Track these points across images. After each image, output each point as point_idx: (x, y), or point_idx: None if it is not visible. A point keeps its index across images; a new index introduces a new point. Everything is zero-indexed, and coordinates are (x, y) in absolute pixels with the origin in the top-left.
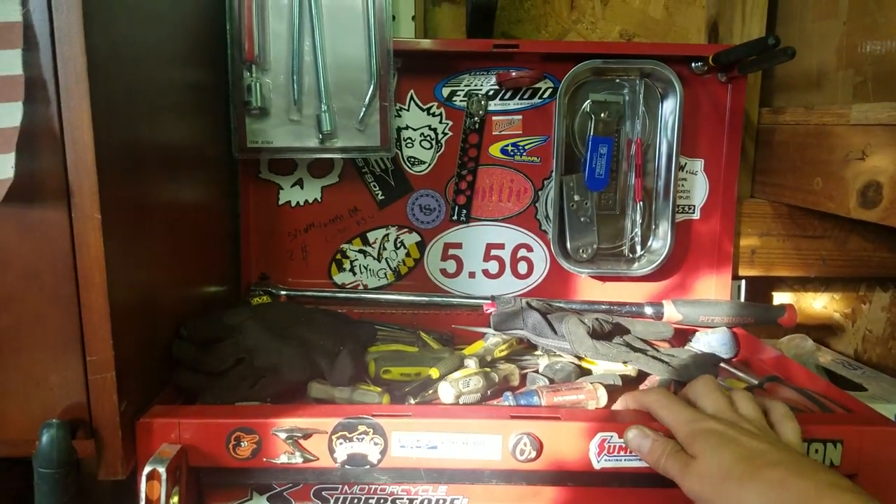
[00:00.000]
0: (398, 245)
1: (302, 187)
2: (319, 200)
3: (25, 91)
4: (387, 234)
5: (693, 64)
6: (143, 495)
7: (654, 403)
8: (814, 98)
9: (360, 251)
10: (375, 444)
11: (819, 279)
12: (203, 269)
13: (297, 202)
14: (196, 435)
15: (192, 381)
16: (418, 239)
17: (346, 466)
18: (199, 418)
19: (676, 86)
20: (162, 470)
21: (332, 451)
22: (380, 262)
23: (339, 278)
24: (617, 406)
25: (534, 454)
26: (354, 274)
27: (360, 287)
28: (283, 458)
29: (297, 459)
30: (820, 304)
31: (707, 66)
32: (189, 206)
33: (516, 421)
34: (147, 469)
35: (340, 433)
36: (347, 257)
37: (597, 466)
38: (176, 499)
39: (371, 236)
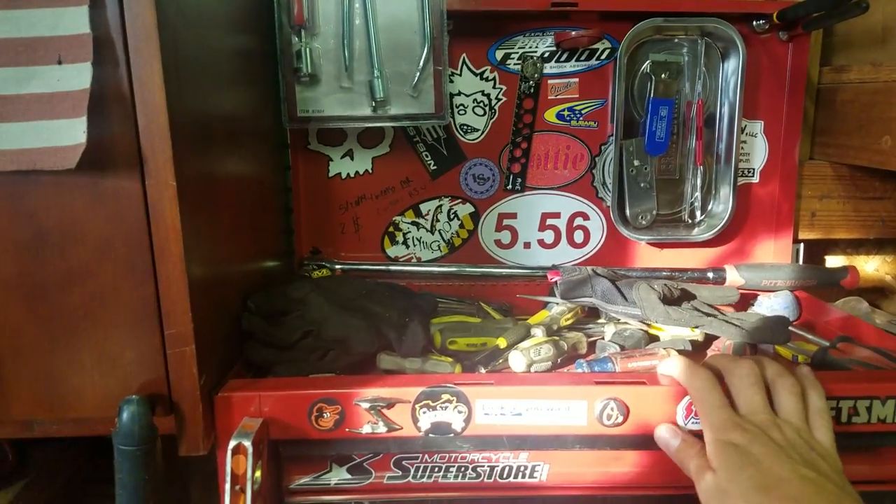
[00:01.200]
0: (451, 216)
1: (352, 158)
2: (370, 172)
3: (94, 51)
4: (440, 206)
5: (755, 22)
6: (228, 469)
7: (694, 392)
8: (879, 55)
9: (413, 223)
10: (459, 412)
11: (871, 242)
12: (260, 244)
13: (348, 174)
14: (277, 407)
15: (263, 354)
16: (472, 210)
17: (430, 435)
18: (280, 391)
19: (739, 44)
20: (248, 443)
21: (415, 420)
22: (433, 234)
23: (392, 251)
24: (661, 369)
25: (621, 419)
26: (407, 247)
27: (414, 260)
28: (366, 428)
29: (381, 429)
30: (872, 266)
31: (769, 24)
32: (247, 179)
33: (601, 387)
34: (233, 443)
35: (424, 402)
36: (400, 230)
37: (684, 429)
38: (259, 473)
39: (424, 208)
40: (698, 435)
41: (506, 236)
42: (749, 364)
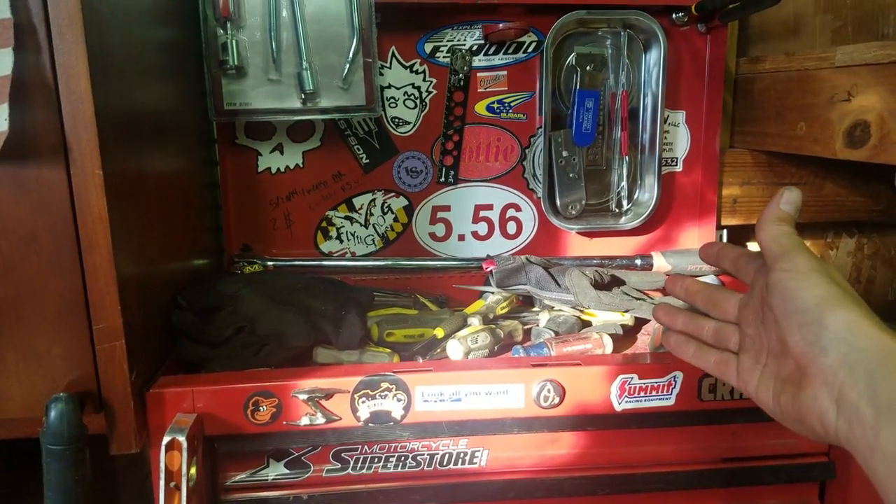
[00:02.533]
0: (385, 210)
1: (282, 153)
2: (301, 166)
3: (15, 37)
4: (373, 200)
5: (674, 14)
6: (162, 466)
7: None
8: (791, 45)
9: (347, 218)
10: (399, 400)
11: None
12: (189, 241)
13: (278, 168)
14: (211, 402)
15: (196, 351)
16: (406, 203)
17: (370, 424)
18: (214, 385)
19: (660, 36)
20: (182, 439)
21: (354, 409)
22: (367, 228)
23: (326, 247)
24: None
25: (557, 400)
26: (341, 241)
27: (348, 255)
28: (304, 420)
29: (320, 420)
30: None
31: (688, 17)
32: (174, 174)
33: (538, 369)
34: (166, 439)
35: (363, 391)
36: (333, 224)
37: (618, 408)
38: (194, 469)
39: (357, 202)
40: (632, 414)
41: (440, 229)
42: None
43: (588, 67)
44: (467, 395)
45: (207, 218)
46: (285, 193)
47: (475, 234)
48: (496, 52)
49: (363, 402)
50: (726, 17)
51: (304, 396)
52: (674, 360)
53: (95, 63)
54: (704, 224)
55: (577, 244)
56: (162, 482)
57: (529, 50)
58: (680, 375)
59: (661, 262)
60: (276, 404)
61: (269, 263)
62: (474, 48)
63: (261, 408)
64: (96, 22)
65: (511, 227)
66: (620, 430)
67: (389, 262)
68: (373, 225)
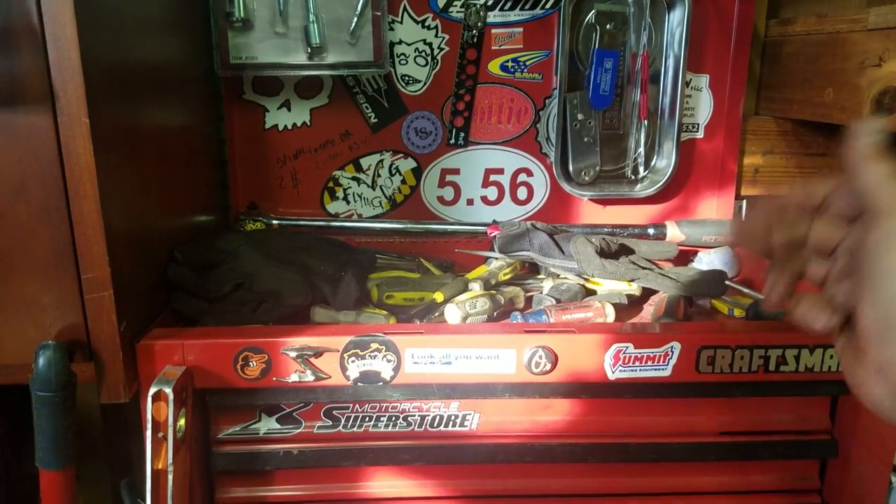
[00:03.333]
0: (393, 171)
1: (289, 110)
2: (308, 124)
3: None
4: (381, 161)
5: None
6: (149, 417)
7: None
8: (824, 7)
9: (354, 178)
10: (388, 360)
11: None
12: (191, 197)
13: (285, 126)
14: (202, 356)
15: (192, 305)
16: (414, 165)
17: (359, 384)
18: (205, 339)
19: None
20: (168, 390)
21: (343, 368)
22: (374, 189)
23: (333, 207)
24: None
25: (549, 367)
26: (348, 203)
27: (355, 216)
28: (293, 377)
29: (309, 378)
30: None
31: None
32: (176, 129)
33: (531, 335)
34: (153, 390)
35: (352, 351)
36: (340, 185)
37: (611, 377)
38: (182, 421)
39: (364, 162)
40: (627, 383)
41: (449, 192)
42: None
43: (608, 26)
44: (458, 359)
45: (213, 174)
46: (292, 152)
47: (484, 199)
48: (512, 8)
49: (353, 361)
50: None
51: (294, 354)
52: (671, 330)
53: (84, 12)
54: (724, 193)
55: (590, 211)
56: (149, 432)
57: (547, 6)
58: (677, 346)
59: (674, 232)
60: (266, 360)
61: (275, 222)
62: (489, 3)
63: (250, 363)
64: None
65: (522, 193)
66: (614, 399)
67: (395, 225)
68: (380, 186)
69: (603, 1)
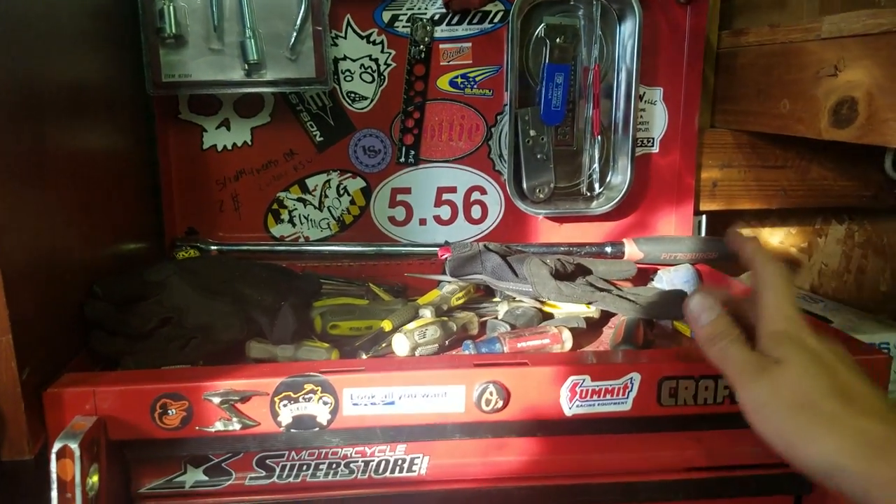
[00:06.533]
0: (341, 192)
1: (229, 129)
2: (250, 143)
3: None
4: (328, 180)
5: None
6: (54, 476)
7: (767, 274)
8: (778, 17)
9: (300, 200)
10: (325, 403)
11: (776, 214)
12: (118, 224)
13: (225, 146)
14: (115, 404)
15: (112, 344)
16: (363, 184)
17: (293, 430)
18: (118, 385)
19: (635, 6)
20: (74, 446)
21: (275, 414)
22: (321, 211)
23: (277, 230)
24: (729, 241)
25: (500, 404)
26: (294, 225)
27: (301, 239)
28: (217, 426)
29: (235, 426)
30: (777, 239)
31: None
32: (98, 154)
33: (480, 369)
34: (57, 446)
35: (284, 394)
36: (285, 207)
37: (568, 413)
38: (95, 478)
39: (310, 183)
40: (586, 419)
41: (400, 212)
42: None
43: (558, 40)
44: (401, 398)
45: (146, 199)
46: (233, 173)
47: (437, 219)
48: (460, 23)
49: (284, 405)
50: None
51: (218, 399)
52: (630, 360)
53: None
54: (682, 209)
55: (546, 230)
56: (54, 492)
57: (496, 20)
58: (637, 377)
59: (632, 250)
60: (186, 407)
61: (213, 248)
62: (436, 17)
63: (169, 411)
64: None
65: (476, 211)
66: (573, 436)
67: (344, 248)
68: (328, 207)
69: (552, 14)
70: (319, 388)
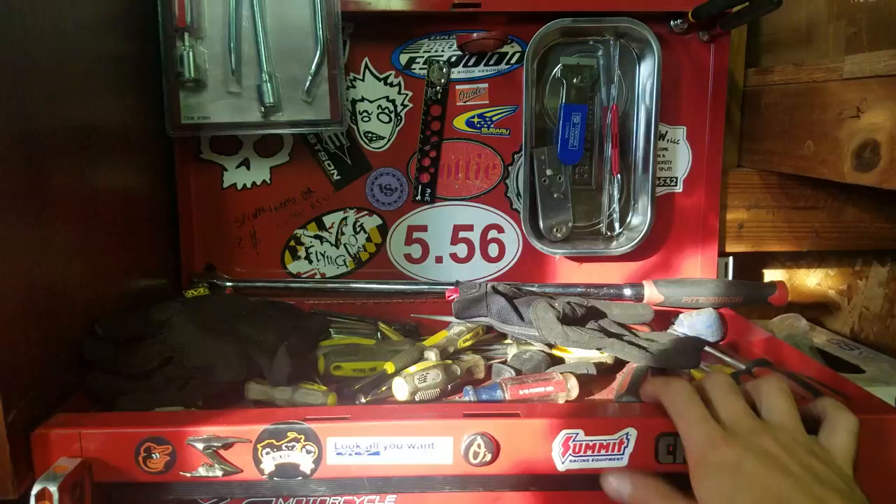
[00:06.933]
0: (357, 229)
1: (248, 168)
2: (269, 182)
3: None
4: (345, 218)
5: (672, 22)
6: None
7: (670, 405)
8: (804, 55)
9: (316, 237)
10: (308, 451)
11: (813, 254)
12: (131, 261)
13: (244, 184)
14: (102, 447)
15: (109, 384)
16: (379, 222)
17: (276, 479)
18: (104, 428)
19: (654, 45)
20: (54, 489)
21: (257, 461)
22: (338, 248)
23: (294, 267)
24: (643, 393)
25: (489, 457)
26: (311, 262)
27: (317, 276)
28: (200, 471)
29: (217, 472)
30: (814, 280)
31: (687, 24)
32: (111, 192)
33: (469, 420)
34: (36, 488)
35: (267, 441)
36: (302, 244)
37: (561, 468)
38: None
39: (327, 220)
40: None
41: (416, 250)
42: (722, 374)
43: (575, 80)
44: (387, 449)
45: (162, 236)
46: (252, 210)
47: (454, 257)
48: (476, 64)
49: (267, 453)
50: (728, 24)
51: (201, 445)
52: (626, 414)
53: None
54: (707, 250)
55: (566, 270)
56: None
57: (513, 61)
58: (633, 433)
59: (652, 293)
60: (170, 452)
61: (228, 284)
62: (453, 59)
63: (153, 455)
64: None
65: (493, 250)
66: (569, 491)
67: (358, 285)
68: (344, 245)
69: (569, 54)
70: (303, 437)
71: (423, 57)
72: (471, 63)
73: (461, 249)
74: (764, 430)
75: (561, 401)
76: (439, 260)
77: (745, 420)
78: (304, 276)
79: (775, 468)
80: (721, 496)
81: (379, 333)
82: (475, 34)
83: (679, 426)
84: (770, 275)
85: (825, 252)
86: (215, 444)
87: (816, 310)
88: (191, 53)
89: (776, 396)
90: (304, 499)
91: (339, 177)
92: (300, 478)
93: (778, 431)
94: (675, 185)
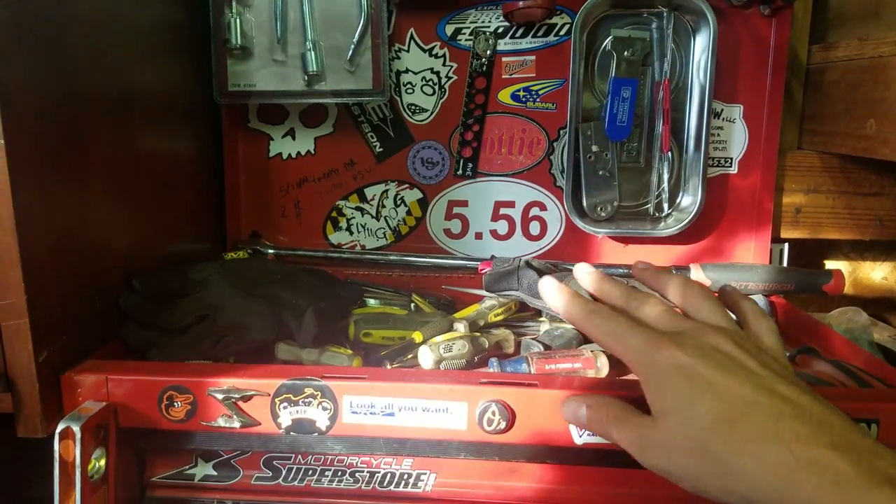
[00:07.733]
0: (398, 202)
1: (294, 138)
2: (313, 153)
3: None
4: (386, 191)
5: None
6: (56, 456)
7: (590, 324)
8: (871, 30)
9: (358, 208)
10: (324, 408)
11: (879, 245)
12: (174, 225)
13: (289, 154)
14: (126, 392)
15: (142, 336)
16: (420, 196)
17: (292, 433)
18: (130, 374)
19: (710, 18)
20: (77, 428)
21: (275, 415)
22: (378, 220)
23: (335, 238)
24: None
25: (504, 425)
26: (351, 233)
27: (357, 247)
28: (220, 422)
29: (236, 424)
30: (880, 274)
31: None
32: (156, 157)
33: (486, 387)
34: (60, 427)
35: (284, 395)
36: (344, 215)
37: (578, 442)
38: (102, 462)
39: (369, 192)
40: (596, 450)
41: (456, 225)
42: (629, 286)
43: (626, 53)
44: (401, 410)
45: (207, 201)
46: (296, 180)
47: (494, 233)
48: (524, 35)
49: (284, 407)
50: None
51: (220, 396)
52: None
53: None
54: (761, 236)
55: (609, 250)
56: (56, 472)
57: (561, 33)
58: None
59: (699, 276)
60: (192, 401)
61: (270, 251)
62: (500, 31)
63: (175, 403)
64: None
65: (534, 228)
66: (586, 466)
67: (395, 257)
68: (384, 217)
69: (621, 26)
70: (319, 394)
71: (469, 28)
72: (518, 34)
73: (501, 226)
74: (707, 329)
75: None
76: (479, 236)
77: (680, 320)
78: (344, 246)
79: (734, 368)
80: (679, 404)
81: (413, 305)
82: (521, 2)
83: (610, 339)
84: (831, 266)
85: (885, 243)
86: (234, 395)
87: (881, 305)
88: (238, 21)
89: (701, 297)
90: (322, 456)
91: (381, 149)
92: (316, 434)
93: (720, 330)
94: (730, 166)
